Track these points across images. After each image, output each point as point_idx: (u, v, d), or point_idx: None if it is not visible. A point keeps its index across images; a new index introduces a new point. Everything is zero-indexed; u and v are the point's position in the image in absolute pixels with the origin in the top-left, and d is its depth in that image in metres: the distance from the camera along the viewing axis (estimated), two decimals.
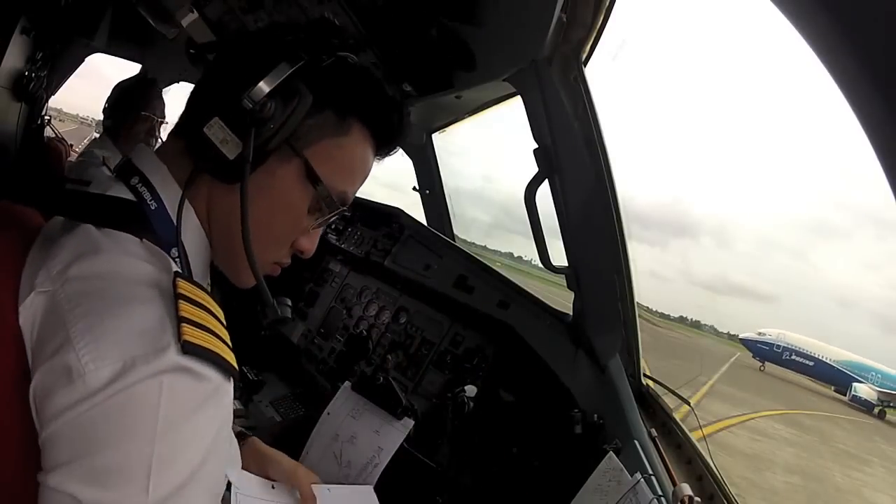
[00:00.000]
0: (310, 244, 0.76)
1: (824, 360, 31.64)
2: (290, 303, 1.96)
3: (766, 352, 33.37)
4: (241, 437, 1.05)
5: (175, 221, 0.66)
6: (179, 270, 0.62)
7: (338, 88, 0.70)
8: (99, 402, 0.50)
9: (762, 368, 32.53)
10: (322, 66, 0.67)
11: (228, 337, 0.61)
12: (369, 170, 0.77)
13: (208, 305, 0.59)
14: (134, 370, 0.51)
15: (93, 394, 0.50)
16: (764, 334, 34.25)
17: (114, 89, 2.28)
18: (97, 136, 2.54)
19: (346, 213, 2.30)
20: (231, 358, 0.58)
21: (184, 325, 0.54)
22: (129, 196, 0.66)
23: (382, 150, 0.77)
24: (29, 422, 0.53)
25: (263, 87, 0.63)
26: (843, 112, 0.41)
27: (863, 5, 0.37)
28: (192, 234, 0.69)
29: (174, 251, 0.66)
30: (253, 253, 0.65)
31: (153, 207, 0.65)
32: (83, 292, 0.55)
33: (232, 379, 0.58)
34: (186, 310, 0.55)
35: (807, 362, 31.11)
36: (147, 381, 0.51)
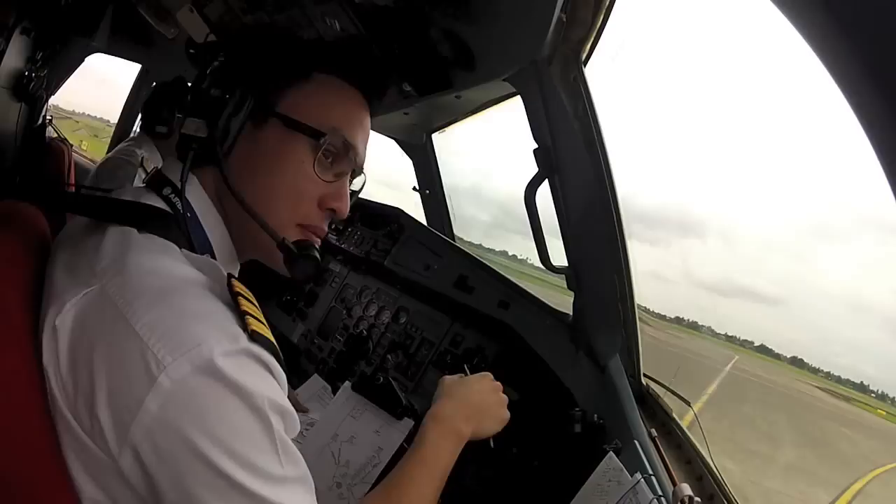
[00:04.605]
0: (337, 201, 0.73)
1: None
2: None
3: None
4: None
5: (206, 229, 0.69)
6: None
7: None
8: (191, 386, 0.50)
9: None
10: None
11: None
12: (358, 112, 0.76)
13: (255, 304, 0.61)
14: (213, 357, 0.51)
15: (181, 382, 0.50)
16: None
17: (153, 89, 2.23)
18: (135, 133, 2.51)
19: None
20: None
21: (248, 317, 0.56)
22: (163, 206, 0.67)
23: (367, 88, 0.77)
24: (45, 421, 0.53)
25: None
26: (844, 112, 0.41)
27: (863, 5, 0.37)
28: (222, 240, 0.71)
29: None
30: (264, 215, 0.68)
31: (188, 216, 0.67)
32: (139, 286, 0.55)
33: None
34: (246, 305, 0.57)
35: None
36: (227, 358, 0.52)
